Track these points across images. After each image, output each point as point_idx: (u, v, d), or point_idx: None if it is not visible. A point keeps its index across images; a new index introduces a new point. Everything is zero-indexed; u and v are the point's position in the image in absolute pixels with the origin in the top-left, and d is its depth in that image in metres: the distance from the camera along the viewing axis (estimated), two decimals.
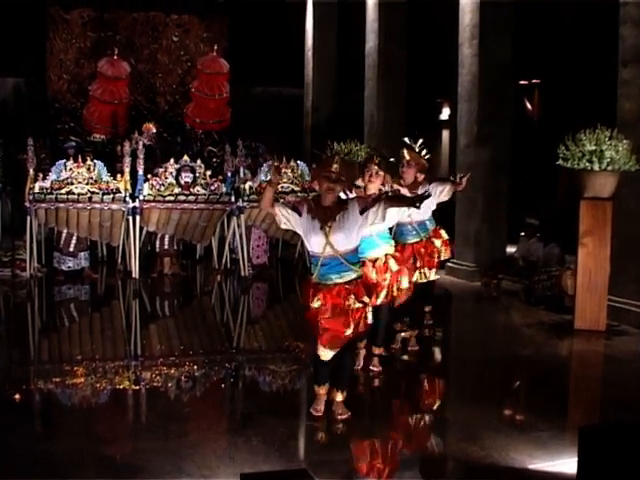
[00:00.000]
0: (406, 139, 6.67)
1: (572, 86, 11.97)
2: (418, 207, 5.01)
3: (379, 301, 5.86)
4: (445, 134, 17.50)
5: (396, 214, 5.81)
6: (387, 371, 6.20)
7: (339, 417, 5.07)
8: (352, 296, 4.87)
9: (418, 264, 6.58)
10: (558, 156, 7.65)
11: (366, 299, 4.95)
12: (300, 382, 6.05)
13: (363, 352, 6.23)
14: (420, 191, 6.15)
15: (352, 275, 4.92)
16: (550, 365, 6.66)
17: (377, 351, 6.22)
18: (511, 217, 10.90)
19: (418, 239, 6.62)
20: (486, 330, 8.12)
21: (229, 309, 9.31)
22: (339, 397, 5.11)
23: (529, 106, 14.26)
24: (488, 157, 10.53)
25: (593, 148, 7.42)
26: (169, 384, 5.89)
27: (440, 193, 6.56)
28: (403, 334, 6.86)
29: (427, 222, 6.78)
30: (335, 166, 4.86)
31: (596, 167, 7.43)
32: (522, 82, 13.56)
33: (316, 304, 4.89)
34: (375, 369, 6.15)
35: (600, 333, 7.56)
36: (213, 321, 8.65)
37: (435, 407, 5.66)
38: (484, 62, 10.43)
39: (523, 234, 10.88)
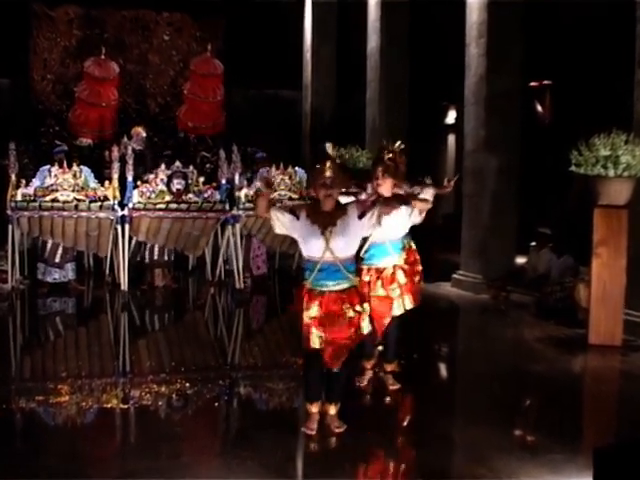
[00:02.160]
0: (384, 141, 6.64)
1: (586, 88, 11.98)
2: (411, 205, 5.29)
3: (395, 312, 5.92)
4: (451, 138, 17.54)
5: (408, 220, 5.91)
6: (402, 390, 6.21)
7: (335, 430, 5.12)
8: (347, 304, 4.99)
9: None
10: (571, 162, 7.65)
11: (359, 307, 5.05)
12: (298, 400, 6.01)
13: (370, 372, 6.24)
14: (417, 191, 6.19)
15: (347, 283, 5.04)
16: (563, 382, 6.64)
17: (390, 368, 6.24)
18: (521, 226, 10.89)
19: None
20: (494, 345, 8.10)
21: (223, 323, 9.30)
22: (332, 410, 5.18)
23: (540, 108, 14.28)
24: (496, 163, 10.53)
25: (608, 153, 7.43)
26: (159, 402, 5.87)
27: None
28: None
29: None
30: (328, 172, 4.96)
31: (611, 173, 7.44)
32: (533, 83, 13.57)
33: (311, 312, 4.97)
34: (392, 387, 6.13)
35: (615, 348, 7.54)
36: (206, 336, 8.63)
37: (441, 426, 5.62)
38: (492, 62, 10.44)
39: (534, 244, 10.87)
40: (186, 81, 14.45)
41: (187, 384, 6.27)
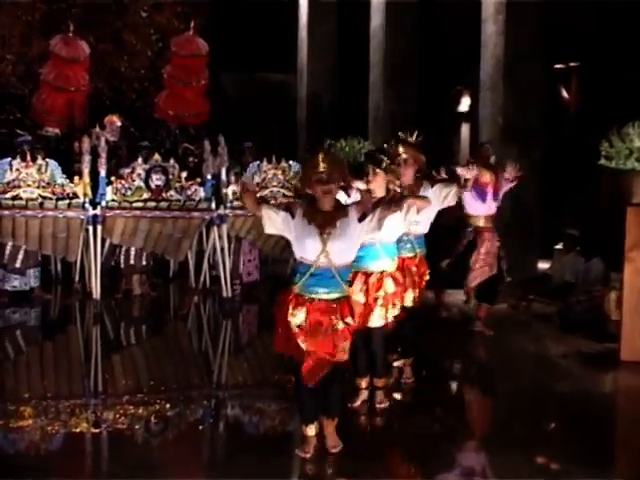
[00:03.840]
0: (400, 133, 6.73)
1: (618, 70, 11.98)
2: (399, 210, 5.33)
3: (372, 324, 5.99)
4: (464, 128, 17.54)
5: (403, 220, 5.96)
6: (392, 406, 6.28)
7: (332, 450, 5.20)
8: (337, 315, 5.05)
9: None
10: (600, 154, 7.66)
11: (351, 320, 5.11)
12: (293, 423, 6.01)
13: (365, 392, 6.29)
14: (422, 194, 6.35)
15: (339, 293, 5.10)
16: (591, 404, 6.63)
17: (380, 383, 6.30)
18: (545, 226, 10.89)
19: (412, 254, 6.63)
20: (513, 361, 8.10)
21: (208, 336, 9.29)
22: (329, 427, 5.26)
23: (565, 94, 14.30)
24: (515, 155, 10.53)
25: None
26: (136, 426, 5.85)
27: (444, 198, 6.60)
28: (396, 364, 6.95)
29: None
30: (322, 165, 4.97)
31: None
32: (557, 66, 13.59)
33: (297, 319, 5.03)
34: (380, 405, 6.23)
35: None
36: (189, 351, 8.62)
37: (452, 452, 5.62)
38: (511, 42, 10.45)
39: (559, 247, 10.87)
40: (166, 63, 14.45)
41: (167, 405, 6.26)
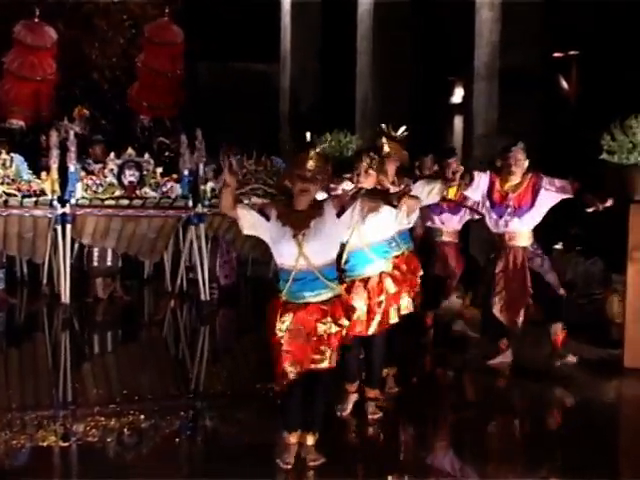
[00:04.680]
0: (383, 126, 6.73)
1: (620, 59, 12.01)
2: (396, 206, 5.28)
3: (371, 331, 5.99)
4: (457, 121, 17.53)
5: (393, 221, 5.97)
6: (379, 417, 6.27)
7: (311, 464, 5.22)
8: (329, 318, 5.04)
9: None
10: (602, 148, 7.68)
11: (344, 321, 5.12)
12: (275, 434, 5.99)
13: (354, 397, 6.30)
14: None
15: (329, 293, 5.10)
16: (593, 413, 6.66)
17: (372, 394, 6.31)
18: (543, 225, 10.89)
19: (398, 252, 6.62)
20: (510, 368, 8.10)
21: (185, 343, 9.29)
22: (310, 440, 5.27)
23: (565, 85, 14.33)
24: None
25: None
26: (108, 439, 5.83)
27: (428, 194, 6.59)
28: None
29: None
30: (310, 163, 4.99)
31: None
32: (556, 54, 13.61)
33: (284, 326, 5.03)
34: (374, 417, 6.23)
35: None
36: (165, 358, 8.63)
37: (441, 463, 5.64)
38: (508, 29, 10.47)
39: (559, 246, 10.89)
40: (139, 52, 14.43)
41: (142, 416, 6.24)
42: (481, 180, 7.47)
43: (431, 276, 8.07)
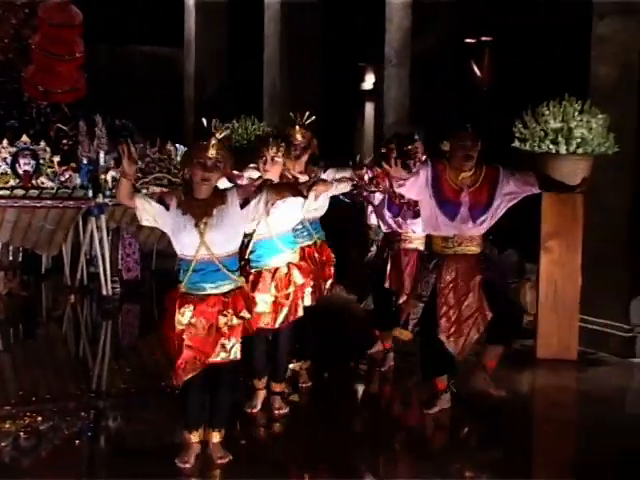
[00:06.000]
0: (291, 114, 6.78)
1: (533, 45, 12.21)
2: (306, 197, 5.36)
3: (279, 323, 6.02)
4: (369, 107, 17.69)
5: (301, 209, 6.01)
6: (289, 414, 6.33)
7: (218, 462, 5.27)
8: (230, 310, 5.07)
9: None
10: (514, 136, 7.79)
11: (246, 314, 5.15)
12: (179, 432, 5.98)
13: (263, 393, 6.34)
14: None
15: (230, 285, 5.12)
16: (505, 405, 6.71)
17: (278, 388, 6.36)
18: None
19: (310, 242, 6.70)
20: (416, 360, 8.15)
21: (86, 340, 9.19)
22: (216, 438, 5.31)
23: (477, 71, 14.52)
24: (423, 137, 10.63)
25: (559, 125, 7.60)
26: (3, 443, 5.73)
27: (338, 183, 6.62)
28: (292, 366, 6.97)
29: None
30: (212, 151, 5.00)
31: (563, 150, 7.60)
32: (468, 40, 13.78)
33: (184, 318, 5.03)
34: (280, 412, 6.29)
35: (570, 363, 7.74)
36: (65, 356, 8.52)
37: (348, 456, 5.68)
38: (418, 14, 10.56)
39: None
40: (34, 33, 14.15)
41: (39, 418, 6.16)
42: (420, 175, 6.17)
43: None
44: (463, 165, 6.08)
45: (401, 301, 7.18)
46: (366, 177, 6.52)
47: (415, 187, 6.13)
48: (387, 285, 7.34)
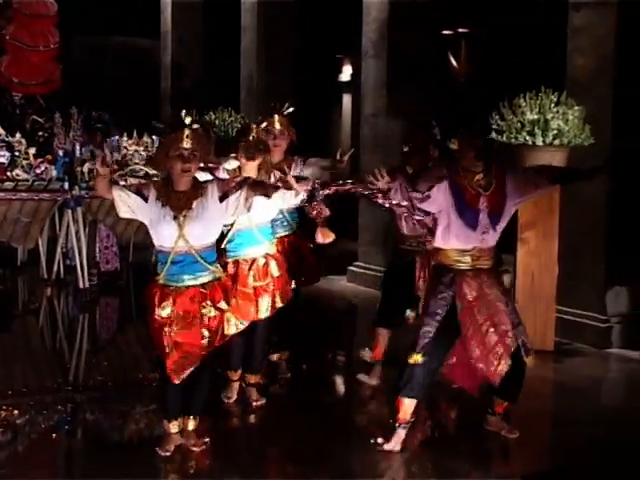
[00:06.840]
0: (272, 104, 6.84)
1: (510, 37, 12.26)
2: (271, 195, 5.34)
3: (262, 315, 6.01)
4: (346, 99, 17.70)
5: (280, 201, 5.93)
6: (267, 403, 6.37)
7: (193, 448, 5.36)
8: (208, 302, 5.12)
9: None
10: (491, 127, 7.82)
11: (224, 305, 5.20)
12: (161, 425, 5.98)
13: (237, 384, 6.38)
14: (293, 170, 6.45)
15: (209, 277, 5.17)
16: (482, 398, 6.76)
17: (253, 380, 6.39)
18: None
19: (289, 231, 6.72)
20: (397, 353, 8.15)
21: (63, 333, 9.17)
22: (191, 425, 5.42)
23: (454, 63, 14.56)
24: (400, 129, 10.67)
25: (535, 117, 7.63)
26: None
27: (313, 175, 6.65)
28: (272, 357, 7.02)
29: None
30: (186, 141, 5.00)
31: (539, 141, 7.63)
32: (445, 32, 13.81)
33: (164, 312, 5.07)
34: (256, 403, 6.33)
35: (546, 354, 7.75)
36: (41, 350, 8.51)
37: (332, 451, 5.69)
38: (395, 5, 10.56)
39: None
40: (8, 23, 14.06)
41: (15, 412, 6.15)
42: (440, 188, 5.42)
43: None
44: (475, 165, 5.42)
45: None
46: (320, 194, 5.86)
47: (435, 203, 5.39)
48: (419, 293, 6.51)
